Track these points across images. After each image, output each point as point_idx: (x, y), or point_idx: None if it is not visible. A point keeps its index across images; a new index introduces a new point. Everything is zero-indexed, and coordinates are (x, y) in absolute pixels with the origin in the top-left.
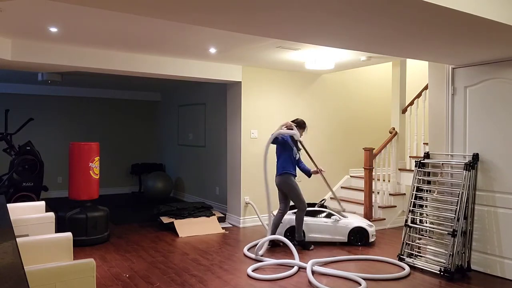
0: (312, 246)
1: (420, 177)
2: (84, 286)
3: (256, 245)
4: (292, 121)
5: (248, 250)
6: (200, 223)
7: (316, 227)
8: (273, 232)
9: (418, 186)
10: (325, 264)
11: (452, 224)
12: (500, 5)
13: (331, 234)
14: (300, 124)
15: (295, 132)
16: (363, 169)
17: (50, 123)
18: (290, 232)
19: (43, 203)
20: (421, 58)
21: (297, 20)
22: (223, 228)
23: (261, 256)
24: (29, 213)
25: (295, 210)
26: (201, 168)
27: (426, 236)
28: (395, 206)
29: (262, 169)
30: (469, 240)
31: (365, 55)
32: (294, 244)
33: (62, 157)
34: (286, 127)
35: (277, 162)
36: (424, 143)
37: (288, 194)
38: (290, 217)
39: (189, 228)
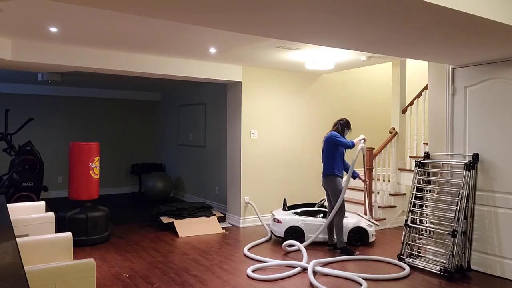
0: (357, 252)
1: (420, 177)
2: (84, 286)
3: (256, 245)
4: (338, 120)
5: (248, 250)
6: (200, 223)
7: (315, 227)
8: (330, 235)
9: (418, 186)
10: (326, 264)
11: (452, 224)
12: (500, 5)
13: None
14: (347, 124)
15: (365, 148)
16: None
17: (50, 123)
18: (290, 232)
19: (43, 203)
20: (421, 58)
21: (297, 20)
22: (223, 228)
23: (286, 254)
24: (29, 213)
25: (296, 210)
26: (201, 168)
27: (426, 236)
28: (395, 206)
29: (263, 170)
30: (469, 240)
31: (365, 55)
32: (338, 253)
33: (62, 157)
34: (364, 140)
35: (328, 162)
36: (424, 143)
37: (331, 196)
38: (289, 217)
39: (189, 228)
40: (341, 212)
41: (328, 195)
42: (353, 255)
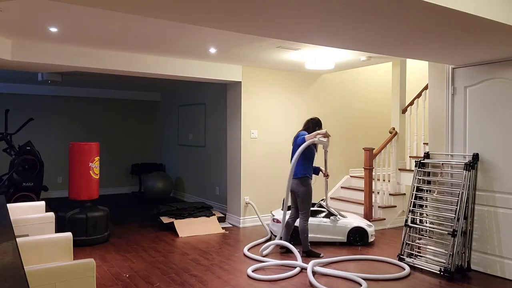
0: (322, 254)
1: (420, 177)
2: (84, 286)
3: (256, 245)
4: (310, 119)
5: (248, 250)
6: (200, 223)
7: (315, 227)
8: (286, 237)
9: (418, 186)
10: (326, 264)
11: (452, 224)
12: (500, 5)
13: (330, 234)
14: (318, 124)
15: (327, 143)
16: (363, 169)
17: (50, 123)
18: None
19: (43, 203)
20: (421, 58)
21: (297, 20)
22: (223, 228)
23: (265, 256)
24: (29, 213)
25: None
26: (201, 168)
27: (426, 236)
28: (395, 206)
29: (263, 170)
30: (469, 240)
31: (365, 55)
32: (301, 255)
33: (62, 157)
34: (324, 136)
35: (300, 163)
36: (424, 143)
37: (301, 199)
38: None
39: (189, 228)
40: (307, 217)
41: (294, 198)
42: (319, 257)
